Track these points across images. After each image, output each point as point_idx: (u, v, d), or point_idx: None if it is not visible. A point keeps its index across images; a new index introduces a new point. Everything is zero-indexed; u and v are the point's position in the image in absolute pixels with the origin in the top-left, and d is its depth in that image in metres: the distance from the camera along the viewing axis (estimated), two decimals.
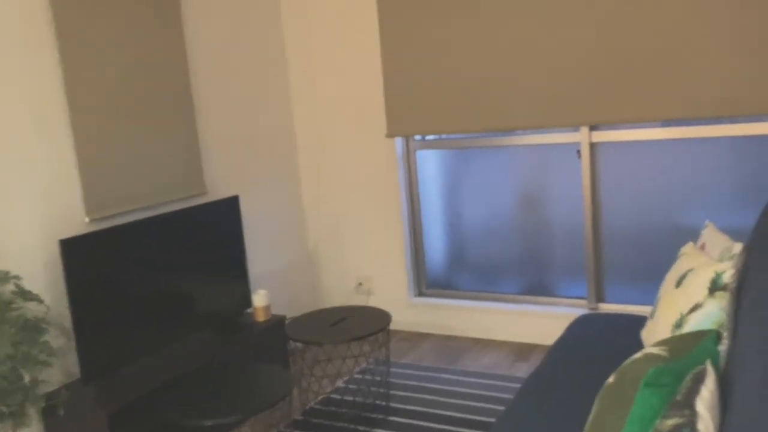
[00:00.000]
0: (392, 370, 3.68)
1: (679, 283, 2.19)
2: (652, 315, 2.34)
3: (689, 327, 2.01)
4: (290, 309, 4.34)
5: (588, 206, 3.75)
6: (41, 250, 2.80)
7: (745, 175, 3.41)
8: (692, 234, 3.55)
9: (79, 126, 2.94)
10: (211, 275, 3.36)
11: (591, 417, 1.65)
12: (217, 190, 3.74)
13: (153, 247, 3.03)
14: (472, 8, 3.70)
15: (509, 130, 3.83)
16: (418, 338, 4.17)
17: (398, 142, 4.15)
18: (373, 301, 4.41)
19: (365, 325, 3.16)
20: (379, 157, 4.19)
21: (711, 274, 2.05)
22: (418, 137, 4.19)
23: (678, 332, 2.06)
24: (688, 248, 2.42)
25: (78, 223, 2.95)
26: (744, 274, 2.04)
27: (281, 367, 2.79)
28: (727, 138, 3.40)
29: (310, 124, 4.37)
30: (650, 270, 3.70)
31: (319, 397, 3.44)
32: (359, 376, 3.67)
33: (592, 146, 3.69)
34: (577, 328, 2.79)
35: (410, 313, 4.30)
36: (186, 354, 3.13)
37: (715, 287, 2.01)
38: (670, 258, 3.59)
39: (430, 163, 4.23)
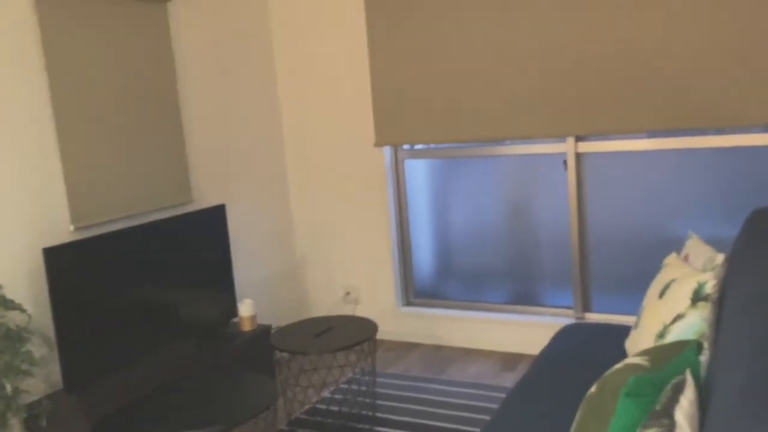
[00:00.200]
0: (379, 380, 3.68)
1: (662, 294, 2.20)
2: (636, 325, 2.35)
3: (672, 337, 2.02)
4: (276, 318, 4.32)
5: (574, 216, 3.76)
6: (24, 259, 2.78)
7: (729, 186, 3.44)
8: (677, 244, 3.57)
9: (65, 134, 2.93)
10: (196, 284, 3.34)
11: (574, 426, 1.65)
12: (204, 198, 3.73)
13: (138, 256, 3.02)
14: (459, 19, 3.72)
15: (496, 140, 3.85)
16: (405, 348, 4.17)
17: (386, 151, 4.16)
18: (361, 311, 4.40)
19: (351, 334, 3.16)
20: (368, 167, 4.20)
21: (693, 285, 2.06)
22: (406, 147, 4.20)
23: (661, 342, 2.07)
24: (671, 259, 2.43)
25: (62, 231, 2.94)
26: (725, 284, 2.05)
27: (267, 377, 2.78)
28: (712, 149, 3.43)
29: (299, 133, 4.37)
30: (636, 280, 3.71)
31: (305, 408, 3.42)
32: (345, 386, 3.65)
33: (578, 156, 3.71)
34: (562, 337, 2.80)
35: (397, 322, 4.30)
36: (170, 363, 3.11)
37: (697, 298, 2.03)
38: (655, 268, 3.61)
39: (418, 172, 4.24)
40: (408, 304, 4.37)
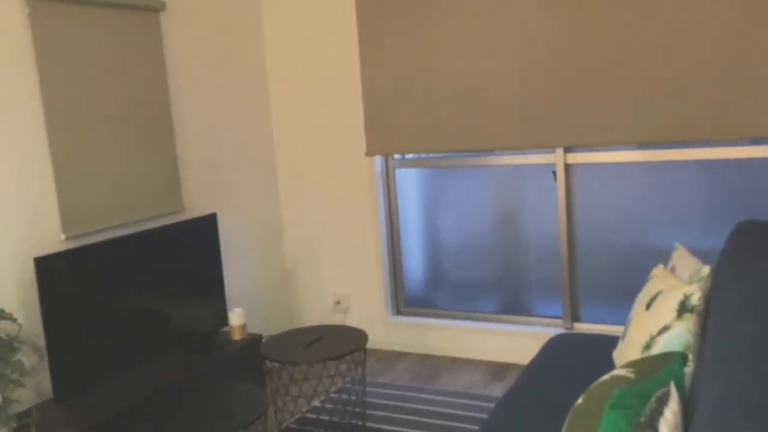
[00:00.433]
0: (369, 389, 3.69)
1: (649, 305, 2.23)
2: (623, 336, 2.37)
3: (658, 348, 2.04)
4: (267, 327, 4.33)
5: (563, 226, 3.79)
6: (15, 268, 2.78)
7: (716, 198, 3.48)
8: (665, 255, 3.60)
9: (57, 143, 2.94)
10: (187, 293, 3.35)
11: None
12: (195, 207, 3.74)
13: (129, 265, 3.02)
14: (450, 31, 3.76)
15: (487, 151, 3.88)
16: (395, 357, 4.18)
17: (377, 160, 4.19)
18: (351, 320, 4.42)
19: (342, 344, 3.17)
20: (359, 176, 4.22)
21: (680, 297, 2.09)
22: (397, 156, 4.23)
23: (647, 353, 2.10)
24: (658, 270, 2.46)
25: (54, 240, 2.94)
26: (711, 297, 2.08)
27: (257, 387, 2.78)
28: (699, 161, 3.47)
29: (290, 142, 4.39)
30: (624, 290, 3.75)
31: (295, 417, 3.43)
32: (335, 395, 3.66)
33: (568, 167, 3.74)
34: (551, 348, 2.82)
35: (388, 331, 4.31)
36: (161, 373, 3.12)
37: (683, 309, 2.05)
38: (643, 278, 3.64)
39: (409, 181, 4.26)
40: (398, 313, 4.38)
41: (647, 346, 2.11)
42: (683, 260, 2.47)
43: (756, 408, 1.11)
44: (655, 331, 2.10)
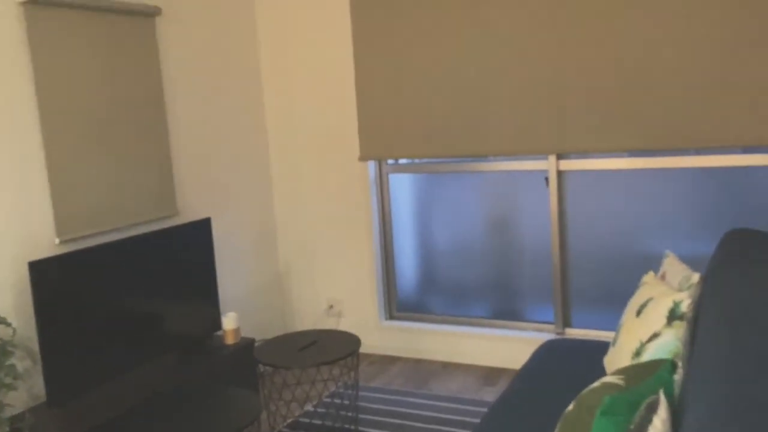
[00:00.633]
0: (361, 394, 3.70)
1: (639, 312, 2.25)
2: (614, 342, 2.40)
3: (648, 355, 2.06)
4: (260, 332, 4.34)
5: (555, 233, 3.82)
6: (9, 272, 2.79)
7: (706, 206, 3.51)
8: (655, 262, 3.63)
9: (51, 146, 2.94)
10: (181, 297, 3.36)
11: None
12: (189, 211, 3.75)
13: (123, 269, 3.03)
14: (444, 37, 3.78)
15: (480, 156, 3.90)
16: (387, 361, 4.20)
17: (371, 165, 4.21)
18: (344, 324, 4.43)
19: (335, 349, 3.18)
20: (352, 180, 4.23)
21: (669, 304, 2.11)
22: (390, 161, 4.25)
23: (637, 360, 2.12)
24: (649, 277, 2.49)
25: (48, 244, 2.94)
26: (700, 304, 2.10)
27: (250, 391, 2.79)
28: (691, 169, 3.51)
29: (284, 147, 4.40)
30: (616, 296, 3.77)
31: (288, 421, 3.44)
32: (328, 399, 3.67)
33: (560, 174, 3.77)
34: (542, 353, 2.84)
35: (380, 336, 4.33)
36: (154, 377, 3.12)
37: (673, 317, 2.08)
38: (634, 285, 3.67)
39: (402, 186, 4.28)
40: (391, 317, 4.40)
41: (637, 353, 2.13)
42: (673, 267, 2.50)
43: (744, 416, 1.13)
44: (645, 338, 2.12)
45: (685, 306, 2.08)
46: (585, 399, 1.60)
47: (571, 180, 3.77)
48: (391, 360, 4.22)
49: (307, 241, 4.44)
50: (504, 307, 4.10)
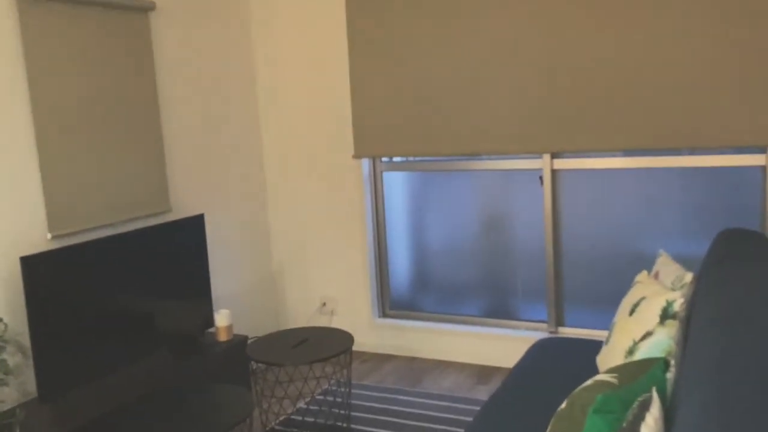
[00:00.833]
0: (354, 391, 3.70)
1: (632, 311, 2.26)
2: (607, 341, 2.40)
3: (640, 354, 2.07)
4: (253, 329, 4.33)
5: (549, 231, 3.83)
6: (1, 267, 2.77)
7: (700, 206, 3.52)
8: (648, 261, 3.64)
9: (44, 141, 2.93)
10: (173, 294, 3.35)
11: None
12: (182, 208, 3.73)
13: (116, 265, 3.02)
14: (439, 36, 3.78)
15: (474, 155, 3.90)
16: (380, 359, 4.19)
17: (365, 163, 4.20)
18: (337, 322, 4.42)
19: (328, 346, 3.18)
20: (346, 178, 4.23)
21: (662, 303, 2.12)
22: (385, 159, 4.25)
23: (630, 358, 2.12)
24: (642, 276, 2.49)
25: (40, 239, 2.93)
26: (693, 303, 2.11)
27: (242, 388, 2.79)
28: (684, 169, 3.52)
29: (278, 144, 4.39)
30: (609, 295, 3.78)
31: (280, 419, 3.43)
32: (321, 397, 3.67)
33: (554, 173, 3.78)
34: (535, 352, 2.84)
35: (373, 334, 4.32)
36: (146, 374, 3.11)
37: (665, 316, 2.08)
38: (627, 284, 3.68)
39: (396, 185, 4.28)
40: (384, 315, 4.40)
41: (630, 352, 2.13)
42: (666, 267, 2.51)
43: (736, 415, 1.13)
44: (638, 337, 2.13)
45: (678, 305, 2.08)
46: (578, 397, 1.60)
47: (565, 179, 3.78)
48: (384, 358, 4.22)
49: (301, 238, 4.44)
50: (497, 305, 4.10)
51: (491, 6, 3.64)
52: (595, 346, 2.83)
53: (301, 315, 4.53)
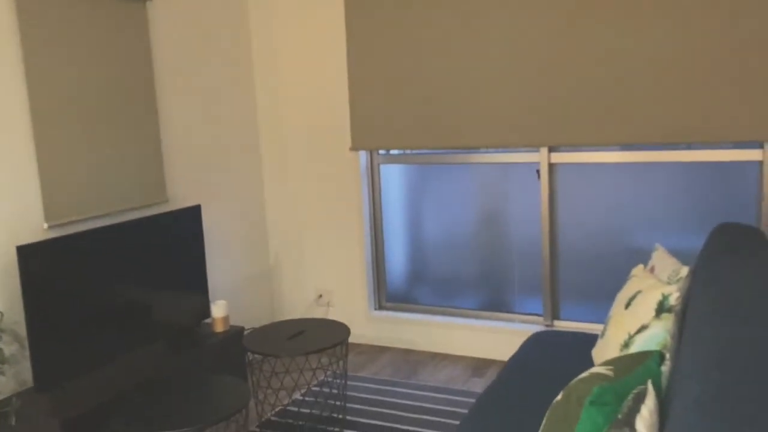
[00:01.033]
0: (350, 383, 3.71)
1: (628, 305, 2.27)
2: (602, 334, 2.41)
3: (636, 347, 2.08)
4: (249, 320, 4.33)
5: (546, 225, 3.83)
6: None
7: (697, 201, 3.53)
8: (644, 255, 3.65)
9: (41, 131, 2.92)
10: (170, 285, 3.35)
11: None
12: (179, 199, 3.73)
13: (112, 255, 3.02)
14: (438, 29, 3.77)
15: (472, 148, 3.90)
16: (376, 351, 4.20)
17: (362, 155, 4.20)
18: (333, 314, 4.43)
19: (324, 338, 3.18)
20: (343, 170, 4.23)
21: (658, 297, 2.13)
22: (382, 152, 4.24)
23: (625, 352, 2.13)
24: (638, 270, 2.50)
25: (36, 229, 2.92)
26: (689, 297, 2.12)
27: (238, 379, 2.79)
28: (682, 164, 3.52)
29: (275, 135, 4.39)
30: (604, 289, 3.79)
31: (276, 409, 3.44)
32: (317, 388, 3.68)
33: (551, 167, 3.78)
34: (531, 345, 2.85)
35: (369, 326, 4.33)
36: (142, 364, 3.11)
37: (661, 309, 2.09)
38: (623, 278, 3.69)
39: (393, 177, 4.28)
40: (380, 308, 4.41)
41: (625, 345, 2.14)
42: (662, 261, 2.52)
43: (730, 407, 1.14)
44: (633, 330, 2.14)
45: (673, 299, 2.09)
46: (574, 389, 1.61)
47: (562, 173, 3.78)
48: (380, 350, 4.23)
49: (298, 230, 4.44)
50: (493, 298, 4.11)
51: (490, 0, 3.64)
52: (591, 339, 2.84)
53: (297, 307, 4.54)
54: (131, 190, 3.37)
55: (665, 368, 1.76)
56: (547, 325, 3.92)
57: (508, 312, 4.08)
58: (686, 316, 1.95)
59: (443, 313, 4.22)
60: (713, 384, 1.27)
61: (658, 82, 3.35)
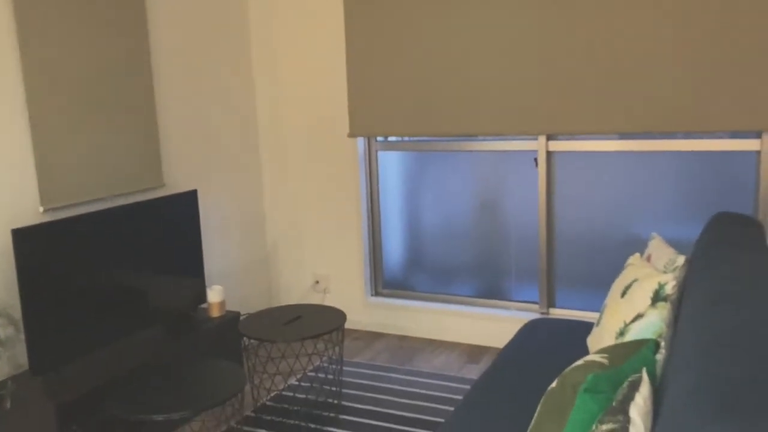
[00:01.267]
0: (345, 368, 3.72)
1: (624, 293, 2.27)
2: (598, 322, 2.41)
3: (631, 335, 2.08)
4: (246, 306, 4.34)
5: (543, 213, 3.83)
6: None
7: (694, 190, 3.53)
8: (642, 244, 3.66)
9: (36, 114, 2.90)
10: (166, 269, 3.34)
11: (534, 420, 1.71)
12: (175, 183, 3.72)
13: (108, 239, 3.01)
14: (436, 15, 3.75)
15: (470, 136, 3.89)
16: (372, 338, 4.21)
17: (360, 142, 4.19)
18: (330, 300, 4.43)
19: (320, 323, 3.19)
20: (341, 157, 4.22)
21: (654, 285, 2.13)
22: (380, 138, 4.23)
23: (621, 340, 2.14)
24: (634, 259, 2.50)
25: (32, 212, 2.91)
26: (685, 286, 2.12)
27: (234, 364, 2.80)
28: (679, 153, 3.52)
29: (273, 121, 4.37)
30: (601, 278, 3.80)
31: (272, 394, 3.45)
32: (312, 374, 3.69)
33: (549, 155, 3.77)
34: (526, 332, 2.86)
35: (366, 312, 4.34)
36: (138, 348, 3.11)
37: (657, 298, 2.09)
38: (619, 266, 3.69)
39: (391, 164, 4.27)
40: (376, 294, 4.41)
41: (621, 333, 2.15)
42: (659, 250, 2.52)
43: (724, 396, 1.14)
44: (629, 319, 2.14)
45: (669, 288, 2.09)
46: (568, 376, 1.61)
47: (560, 161, 3.78)
48: (376, 336, 4.24)
49: (295, 216, 4.43)
50: (489, 286, 4.12)
51: None
52: (586, 327, 2.84)
53: (294, 293, 4.54)
54: (127, 175, 3.36)
55: (660, 357, 1.76)
56: (542, 313, 3.93)
57: (504, 299, 4.08)
58: (682, 305, 1.95)
59: (439, 300, 4.23)
60: (706, 373, 1.27)
61: (656, 70, 3.33)
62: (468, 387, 3.43)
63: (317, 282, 4.44)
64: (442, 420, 3.11)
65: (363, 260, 4.28)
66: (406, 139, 4.15)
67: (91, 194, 3.16)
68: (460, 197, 4.10)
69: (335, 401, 3.33)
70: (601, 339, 2.29)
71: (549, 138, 3.74)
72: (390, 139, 4.21)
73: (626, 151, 3.61)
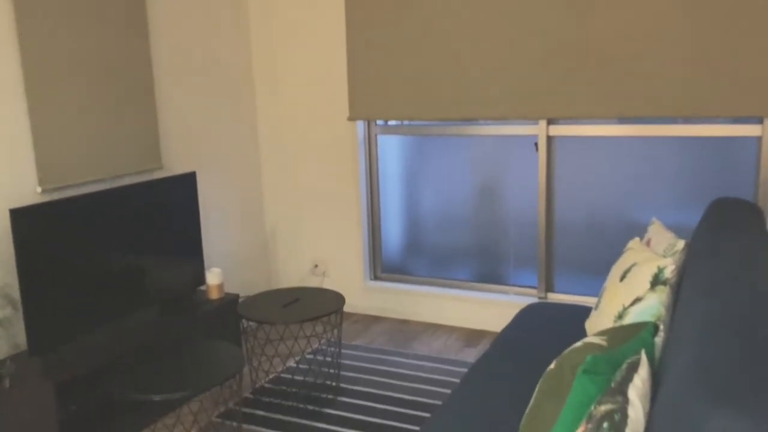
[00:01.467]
0: (344, 351, 3.72)
1: (623, 277, 2.27)
2: (596, 306, 2.42)
3: (630, 319, 2.08)
4: (245, 288, 4.34)
5: (543, 198, 3.82)
6: None
7: (694, 175, 3.52)
8: (641, 228, 3.65)
9: (35, 94, 2.88)
10: (164, 251, 3.34)
11: (532, 401, 1.71)
12: (174, 165, 3.70)
13: (106, 220, 3.00)
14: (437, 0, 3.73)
15: (470, 120, 3.88)
16: (371, 321, 4.22)
17: (360, 126, 4.17)
18: (328, 284, 4.44)
19: (319, 306, 3.19)
20: (341, 141, 4.20)
21: (653, 269, 2.13)
22: (380, 122, 4.21)
23: (619, 323, 2.14)
24: (634, 243, 2.50)
25: (30, 192, 2.90)
26: (684, 270, 2.12)
27: (232, 345, 2.80)
28: (679, 138, 3.51)
29: (272, 104, 4.35)
30: (598, 262, 3.80)
31: (270, 376, 3.46)
32: (311, 356, 3.70)
33: (550, 139, 3.76)
34: (524, 316, 2.86)
35: (364, 296, 4.34)
36: (137, 329, 3.12)
37: (656, 282, 2.09)
38: (618, 251, 3.69)
39: (390, 148, 4.25)
40: (375, 278, 4.41)
41: (620, 316, 2.15)
42: (659, 234, 2.51)
43: (721, 378, 1.15)
44: (627, 302, 2.14)
45: (669, 272, 2.09)
46: (567, 358, 1.61)
47: (560, 145, 3.76)
48: (374, 320, 4.24)
49: (294, 199, 4.42)
50: (488, 270, 4.12)
51: None
52: (584, 311, 2.85)
53: (292, 276, 4.54)
54: (125, 156, 3.34)
55: (659, 339, 1.77)
56: (540, 298, 3.94)
57: (502, 284, 4.08)
58: (681, 289, 1.95)
59: (438, 284, 4.23)
60: (703, 356, 1.27)
61: (657, 55, 3.31)
62: (466, 370, 3.44)
63: (316, 266, 4.44)
64: (440, 402, 3.12)
65: (362, 244, 4.28)
66: (406, 123, 4.14)
67: (89, 175, 3.15)
68: (459, 181, 4.09)
69: (333, 383, 3.34)
70: (599, 322, 2.29)
71: (550, 122, 3.72)
72: (390, 123, 4.20)
73: (627, 136, 3.60)
